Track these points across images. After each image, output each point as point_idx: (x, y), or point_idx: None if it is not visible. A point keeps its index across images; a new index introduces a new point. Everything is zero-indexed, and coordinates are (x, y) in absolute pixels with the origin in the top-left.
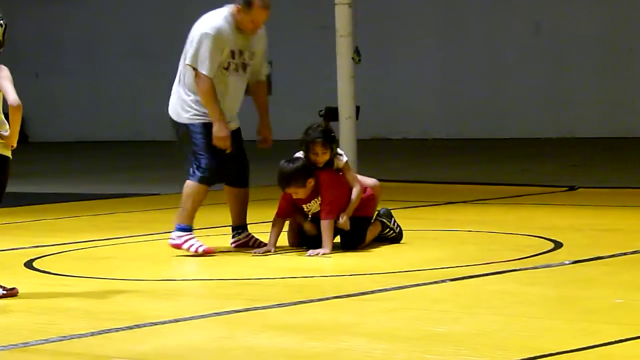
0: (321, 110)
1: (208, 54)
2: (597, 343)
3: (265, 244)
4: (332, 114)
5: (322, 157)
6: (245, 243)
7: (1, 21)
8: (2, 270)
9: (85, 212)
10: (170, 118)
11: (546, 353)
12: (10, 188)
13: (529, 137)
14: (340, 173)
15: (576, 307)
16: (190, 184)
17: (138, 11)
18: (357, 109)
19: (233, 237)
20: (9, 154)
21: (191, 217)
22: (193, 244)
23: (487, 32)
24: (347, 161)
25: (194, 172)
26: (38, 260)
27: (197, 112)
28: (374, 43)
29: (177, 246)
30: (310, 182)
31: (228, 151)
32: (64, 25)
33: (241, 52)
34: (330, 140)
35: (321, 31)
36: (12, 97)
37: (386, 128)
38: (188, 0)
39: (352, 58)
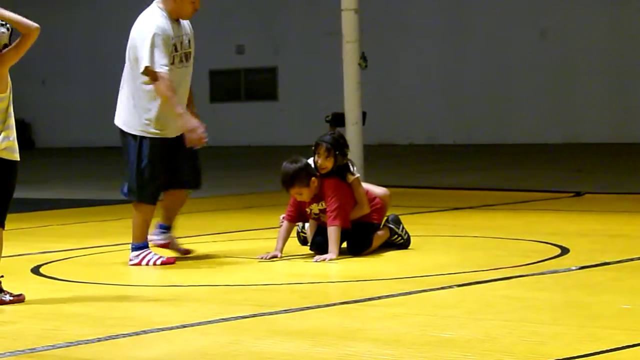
0: (328, 116)
1: (159, 51)
2: (604, 349)
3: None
4: (338, 119)
5: (325, 162)
6: (165, 245)
7: (7, 26)
8: (9, 276)
9: (92, 218)
10: (117, 127)
11: (553, 359)
12: (17, 194)
13: (535, 143)
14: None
15: (583, 313)
16: (133, 204)
17: None
18: (364, 114)
19: (157, 234)
20: (16, 157)
21: (142, 235)
22: (150, 259)
23: (493, 38)
24: (357, 177)
25: (132, 193)
26: (45, 266)
27: (144, 125)
28: (381, 49)
29: (137, 264)
30: (314, 182)
31: (204, 142)
32: (70, 33)
33: (181, 42)
34: (335, 147)
35: (327, 37)
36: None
37: (392, 134)
38: None
39: (359, 64)
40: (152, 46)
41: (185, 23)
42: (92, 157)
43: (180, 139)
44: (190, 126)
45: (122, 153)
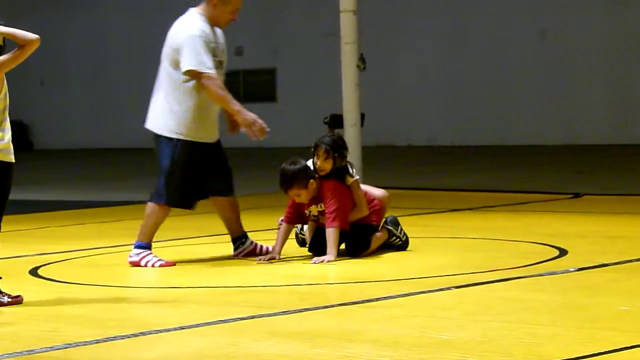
0: (326, 117)
1: (205, 53)
2: (602, 350)
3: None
4: (337, 121)
5: (324, 164)
6: (252, 252)
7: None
8: (7, 278)
9: (91, 220)
10: (150, 131)
11: None
12: (14, 195)
13: (534, 144)
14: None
15: (581, 315)
16: (152, 205)
17: (142, 21)
18: (362, 116)
19: (237, 248)
20: (12, 159)
21: (150, 235)
22: (150, 260)
23: (492, 39)
24: (356, 180)
25: (158, 194)
26: (43, 267)
27: (179, 129)
28: (379, 50)
29: (136, 263)
30: (313, 184)
31: (263, 136)
32: (68, 34)
33: (217, 49)
34: (334, 148)
35: (326, 39)
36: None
37: (391, 135)
38: None
39: (357, 65)
40: (198, 48)
41: (220, 32)
42: (90, 159)
43: (214, 145)
44: (250, 120)
45: (118, 155)
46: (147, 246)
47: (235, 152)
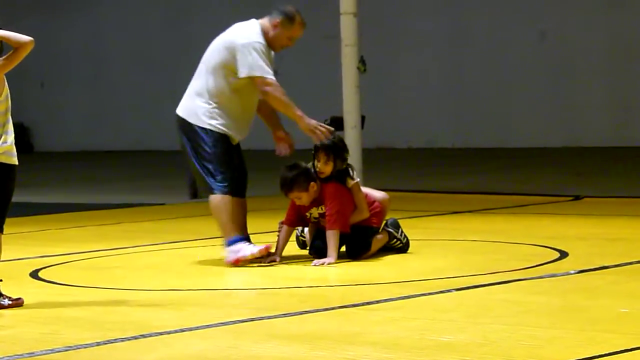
0: (326, 120)
1: (263, 61)
2: (602, 353)
3: (273, 253)
4: (337, 123)
5: (324, 167)
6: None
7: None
8: (7, 280)
9: (91, 222)
10: (181, 120)
11: None
12: (15, 198)
13: (534, 146)
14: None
15: (581, 317)
16: (214, 199)
17: (142, 22)
18: (363, 118)
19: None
20: (15, 161)
21: (232, 228)
22: (247, 250)
23: (492, 41)
24: (357, 182)
25: (212, 186)
26: (43, 270)
27: (218, 121)
28: (380, 52)
29: (236, 261)
30: (313, 187)
31: (329, 137)
32: (68, 36)
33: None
34: (334, 151)
35: (326, 41)
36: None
37: (391, 137)
38: (191, 12)
39: (357, 67)
40: (261, 56)
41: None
42: (90, 161)
43: (237, 146)
44: (313, 125)
45: (118, 157)
46: (237, 239)
47: None
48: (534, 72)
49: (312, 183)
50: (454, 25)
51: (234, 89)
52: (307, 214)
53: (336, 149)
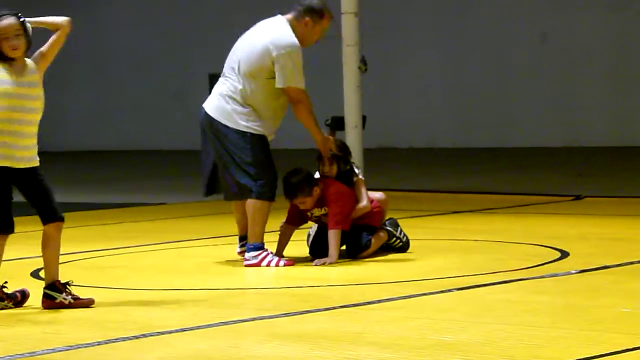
0: (327, 120)
1: (299, 68)
2: (604, 352)
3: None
4: (338, 123)
5: (330, 171)
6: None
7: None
8: (9, 280)
9: (92, 222)
10: (214, 120)
11: None
12: (16, 197)
13: (535, 146)
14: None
15: (583, 317)
16: (252, 202)
17: (143, 24)
18: (364, 118)
19: (242, 246)
20: (36, 163)
21: (261, 234)
22: (272, 260)
23: (493, 42)
24: (361, 178)
25: (253, 189)
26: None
27: (255, 123)
28: (381, 52)
29: (256, 265)
30: (317, 191)
31: (330, 153)
32: (71, 38)
33: None
34: (337, 157)
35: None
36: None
37: (393, 137)
38: (190, 14)
39: (359, 67)
40: (298, 65)
41: None
42: (91, 161)
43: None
44: (326, 146)
45: (120, 156)
46: (261, 246)
47: None
48: (535, 72)
49: (315, 187)
50: (455, 25)
51: (269, 92)
52: (309, 213)
53: (338, 154)
